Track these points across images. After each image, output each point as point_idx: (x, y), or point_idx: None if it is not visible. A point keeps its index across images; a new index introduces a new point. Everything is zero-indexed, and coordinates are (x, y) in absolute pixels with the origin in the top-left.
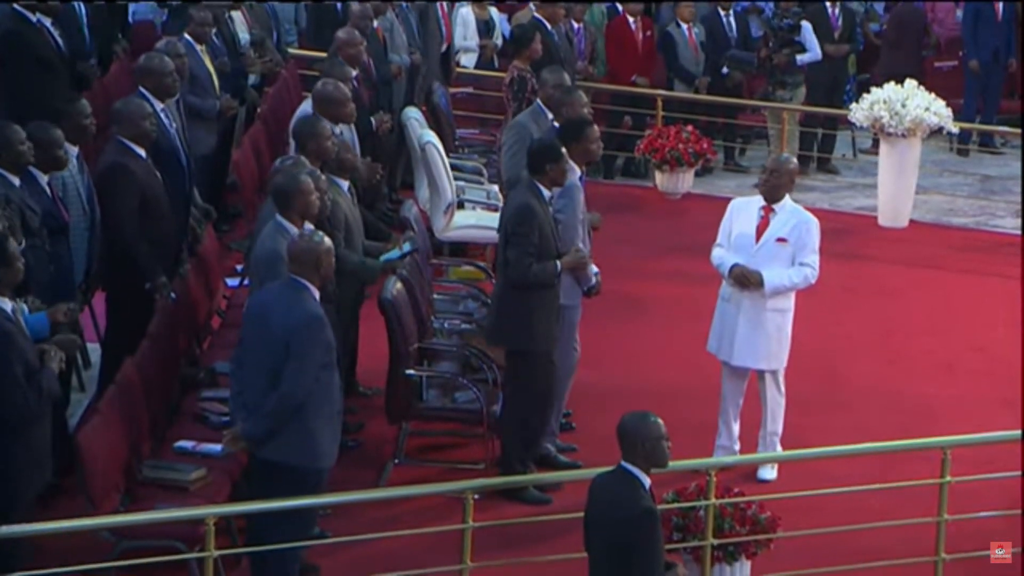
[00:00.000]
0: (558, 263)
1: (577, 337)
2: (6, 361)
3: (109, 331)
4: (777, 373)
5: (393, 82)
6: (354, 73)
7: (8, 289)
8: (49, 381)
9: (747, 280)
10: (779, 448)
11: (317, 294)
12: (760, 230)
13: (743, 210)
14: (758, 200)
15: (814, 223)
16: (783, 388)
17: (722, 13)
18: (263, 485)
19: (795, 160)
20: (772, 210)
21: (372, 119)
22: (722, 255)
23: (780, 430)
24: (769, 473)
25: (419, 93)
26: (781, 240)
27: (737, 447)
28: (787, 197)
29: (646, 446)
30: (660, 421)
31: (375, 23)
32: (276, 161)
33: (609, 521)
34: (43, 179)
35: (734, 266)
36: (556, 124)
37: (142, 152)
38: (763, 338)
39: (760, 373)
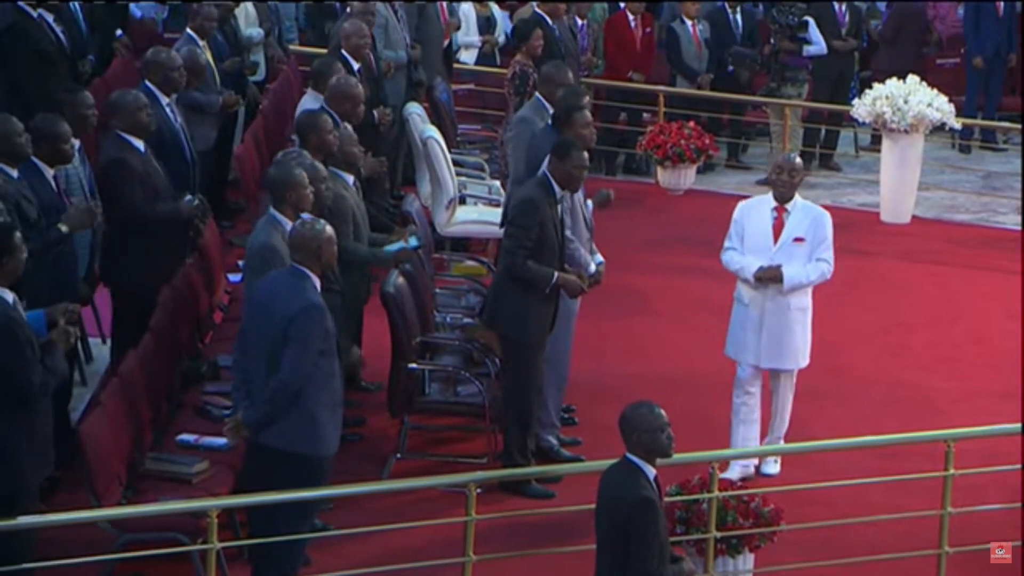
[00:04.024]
0: (556, 275)
1: (573, 326)
2: (17, 343)
3: (115, 329)
4: (794, 372)
5: (383, 78)
6: (357, 66)
7: (9, 280)
8: (55, 362)
9: (771, 277)
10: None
11: (318, 282)
12: (776, 231)
13: (754, 211)
14: (767, 200)
15: (827, 217)
16: (794, 388)
17: (728, 10)
18: (267, 473)
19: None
20: (785, 210)
21: (374, 112)
22: (738, 258)
23: (784, 433)
24: (772, 468)
25: (418, 87)
26: (799, 239)
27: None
28: (796, 195)
29: (643, 437)
30: (661, 411)
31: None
32: (278, 155)
33: (609, 510)
34: (48, 172)
35: (758, 269)
36: (550, 122)
37: (140, 144)
38: (790, 339)
39: (776, 373)
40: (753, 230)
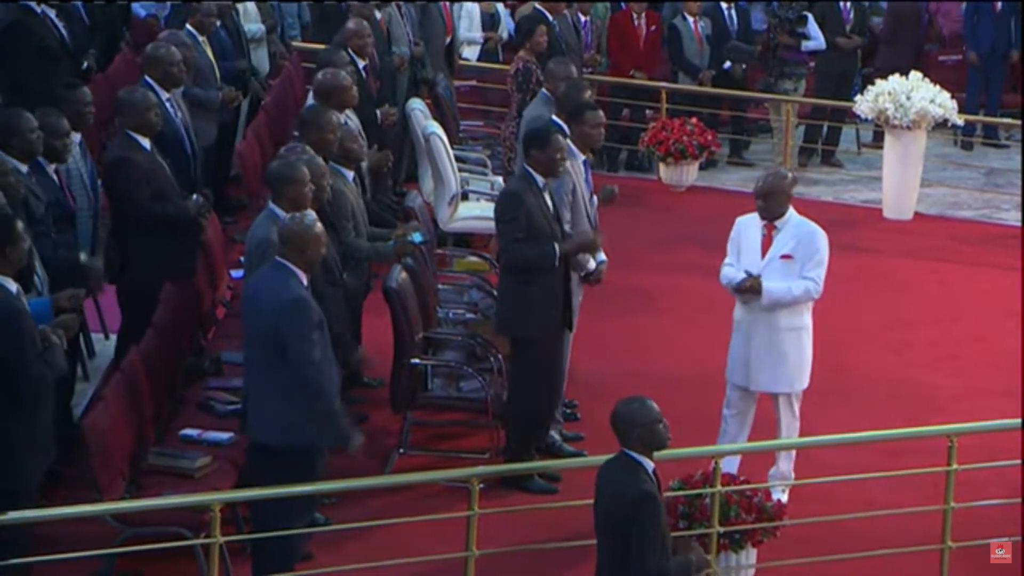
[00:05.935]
0: (556, 246)
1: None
2: (20, 332)
3: (124, 326)
4: (792, 397)
5: (397, 74)
6: (363, 64)
7: (13, 269)
8: (54, 357)
9: (750, 288)
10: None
11: (304, 278)
12: (764, 248)
13: (748, 227)
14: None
15: (820, 235)
16: (798, 413)
17: (724, 6)
18: (261, 466)
19: (788, 173)
20: (775, 227)
21: (378, 111)
22: (731, 273)
23: (791, 470)
24: (782, 496)
25: (421, 84)
26: (786, 257)
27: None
28: (791, 211)
29: (643, 432)
30: (652, 404)
31: (378, 15)
32: (281, 150)
33: (610, 505)
34: (50, 168)
35: (740, 281)
36: (554, 118)
37: (147, 143)
38: (781, 360)
39: (775, 396)
40: (746, 247)
